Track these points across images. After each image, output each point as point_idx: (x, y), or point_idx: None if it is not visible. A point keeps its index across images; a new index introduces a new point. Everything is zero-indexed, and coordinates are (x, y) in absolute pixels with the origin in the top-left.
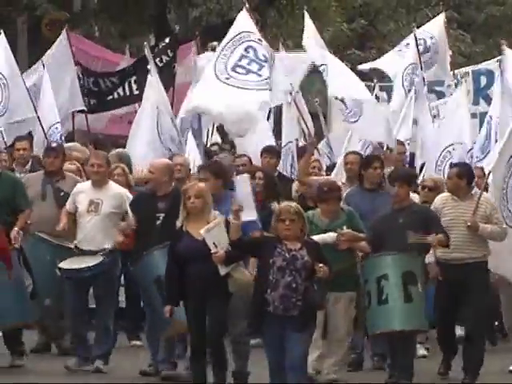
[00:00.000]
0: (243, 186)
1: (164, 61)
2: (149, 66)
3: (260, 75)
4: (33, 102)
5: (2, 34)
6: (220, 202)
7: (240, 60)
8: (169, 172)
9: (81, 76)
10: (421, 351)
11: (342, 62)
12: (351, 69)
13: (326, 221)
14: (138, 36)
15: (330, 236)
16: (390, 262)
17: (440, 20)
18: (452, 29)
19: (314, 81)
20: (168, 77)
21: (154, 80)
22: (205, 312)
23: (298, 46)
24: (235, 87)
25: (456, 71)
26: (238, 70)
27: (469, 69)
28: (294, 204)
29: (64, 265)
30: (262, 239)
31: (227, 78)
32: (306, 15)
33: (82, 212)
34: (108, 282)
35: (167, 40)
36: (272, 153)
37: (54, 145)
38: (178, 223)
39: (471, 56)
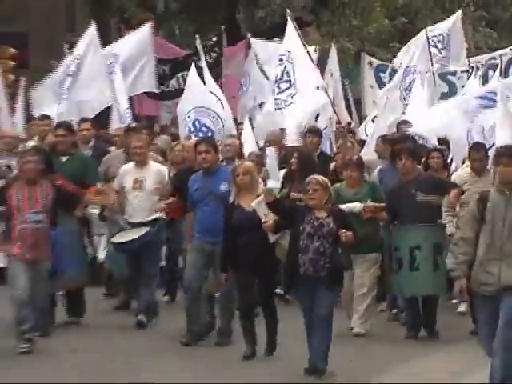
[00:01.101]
0: (272, 157)
1: (213, 57)
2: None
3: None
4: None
5: (93, 26)
6: (216, 173)
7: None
8: None
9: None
10: (461, 308)
11: (386, 54)
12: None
13: (351, 191)
14: (210, 34)
15: (357, 206)
16: (423, 235)
17: (454, 16)
18: (481, 26)
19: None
20: (216, 70)
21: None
22: (255, 276)
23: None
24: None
25: (471, 59)
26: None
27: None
28: (318, 176)
29: (115, 239)
30: (295, 207)
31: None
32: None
33: (129, 190)
34: (153, 247)
35: (214, 39)
36: (315, 133)
37: (133, 125)
38: (231, 198)
39: (498, 50)
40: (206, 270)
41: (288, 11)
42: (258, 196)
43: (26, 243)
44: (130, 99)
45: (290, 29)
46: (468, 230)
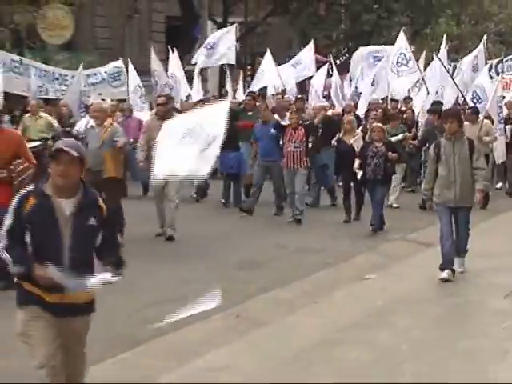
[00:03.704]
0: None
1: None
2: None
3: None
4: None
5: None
6: (269, 123)
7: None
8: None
9: None
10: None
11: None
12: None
13: (392, 130)
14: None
15: (399, 137)
16: None
17: (481, 42)
18: (497, 44)
19: None
20: (344, 67)
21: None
22: (351, 176)
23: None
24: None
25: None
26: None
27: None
28: (379, 124)
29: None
30: (366, 142)
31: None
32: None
33: None
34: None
35: (345, 49)
36: (394, 100)
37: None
38: (339, 136)
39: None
40: (264, 178)
41: (402, 31)
42: (354, 136)
43: (289, 159)
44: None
45: (402, 38)
46: (430, 167)
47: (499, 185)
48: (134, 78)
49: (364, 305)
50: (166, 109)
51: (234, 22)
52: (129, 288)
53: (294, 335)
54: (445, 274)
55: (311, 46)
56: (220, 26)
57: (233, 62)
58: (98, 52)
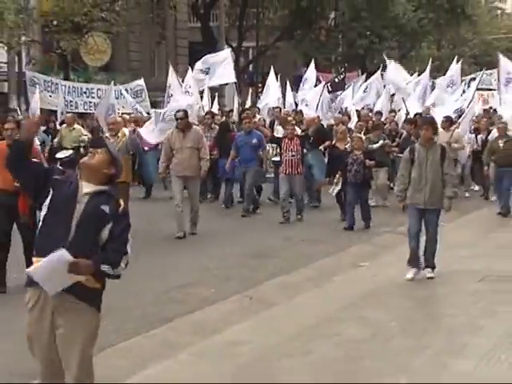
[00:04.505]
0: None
1: (341, 77)
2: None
3: None
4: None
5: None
6: (251, 132)
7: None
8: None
9: None
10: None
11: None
12: None
13: (374, 138)
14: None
15: (379, 144)
16: None
17: (456, 63)
18: (472, 65)
19: None
20: (341, 86)
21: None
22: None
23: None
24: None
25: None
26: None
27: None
28: (358, 134)
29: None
30: (348, 152)
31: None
32: None
33: None
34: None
35: (342, 69)
36: (378, 113)
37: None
38: (333, 142)
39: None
40: (245, 179)
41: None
42: (346, 144)
43: (287, 166)
44: None
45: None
46: (404, 170)
47: (476, 188)
48: (128, 99)
49: (359, 288)
50: (185, 122)
51: (247, 47)
52: (157, 274)
53: (299, 314)
54: (410, 275)
55: (312, 65)
56: (235, 49)
57: (233, 80)
58: (131, 73)
